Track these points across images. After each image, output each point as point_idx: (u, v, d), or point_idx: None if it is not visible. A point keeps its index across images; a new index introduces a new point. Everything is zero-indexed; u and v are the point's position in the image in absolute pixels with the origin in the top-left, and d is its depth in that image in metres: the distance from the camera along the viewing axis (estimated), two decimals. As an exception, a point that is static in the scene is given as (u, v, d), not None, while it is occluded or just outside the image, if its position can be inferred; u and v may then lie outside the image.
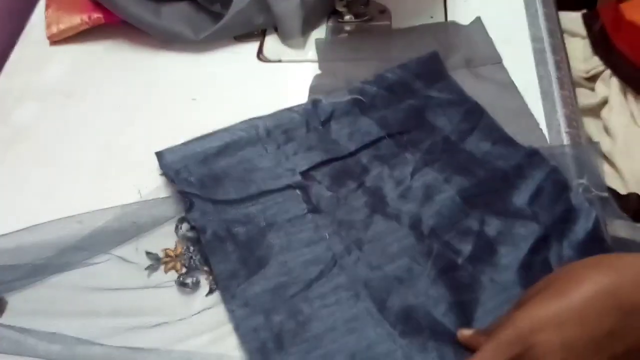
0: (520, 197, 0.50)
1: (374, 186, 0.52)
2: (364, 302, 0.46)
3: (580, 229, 0.48)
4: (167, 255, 0.50)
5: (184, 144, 0.55)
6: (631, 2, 0.74)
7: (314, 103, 0.57)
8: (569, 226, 0.48)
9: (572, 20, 0.83)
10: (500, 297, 0.46)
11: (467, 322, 0.45)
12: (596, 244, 0.48)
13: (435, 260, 0.48)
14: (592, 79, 0.81)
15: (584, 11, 0.83)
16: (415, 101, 0.57)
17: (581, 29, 0.83)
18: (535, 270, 0.47)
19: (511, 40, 0.64)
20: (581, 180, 0.51)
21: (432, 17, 0.67)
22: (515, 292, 0.46)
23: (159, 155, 0.54)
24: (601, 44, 0.78)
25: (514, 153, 0.53)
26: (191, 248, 0.50)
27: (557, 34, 0.65)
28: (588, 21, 0.82)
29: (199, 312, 0.48)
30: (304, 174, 0.53)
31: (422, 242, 0.49)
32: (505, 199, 0.50)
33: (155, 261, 0.50)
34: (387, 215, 0.50)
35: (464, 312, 0.45)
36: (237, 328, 0.46)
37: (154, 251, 0.51)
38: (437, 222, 0.49)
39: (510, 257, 0.48)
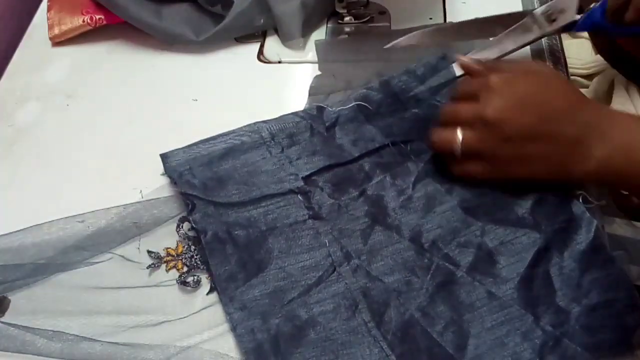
0: (522, 207, 0.50)
1: (375, 195, 0.52)
2: (362, 314, 0.46)
3: (582, 239, 0.48)
4: (168, 254, 0.51)
5: (188, 147, 0.55)
6: None
7: (318, 109, 0.57)
8: (570, 236, 0.48)
9: None
10: (498, 314, 0.46)
11: (463, 340, 0.45)
12: (597, 254, 0.48)
13: (435, 274, 0.48)
14: (592, 76, 0.81)
15: None
16: (420, 110, 0.57)
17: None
18: (535, 282, 0.47)
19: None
20: (580, 191, 0.51)
21: (431, 19, 0.67)
22: (512, 309, 0.46)
23: (164, 157, 0.54)
24: (605, 43, 0.78)
25: None
26: (192, 247, 0.51)
27: (554, 35, 0.66)
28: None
29: (199, 311, 0.48)
30: (307, 179, 0.53)
31: (422, 256, 0.49)
32: (507, 209, 0.50)
33: (157, 260, 0.51)
34: (388, 226, 0.50)
35: (461, 330, 0.45)
36: (234, 329, 0.46)
37: (155, 250, 0.51)
38: (438, 235, 0.49)
39: (510, 268, 0.48)
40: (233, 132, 0.55)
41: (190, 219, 0.51)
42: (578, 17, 0.57)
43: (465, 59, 0.54)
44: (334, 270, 0.48)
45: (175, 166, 0.53)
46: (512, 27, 0.58)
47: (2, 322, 0.48)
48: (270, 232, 0.50)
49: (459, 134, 0.49)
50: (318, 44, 0.66)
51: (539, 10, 0.58)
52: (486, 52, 0.58)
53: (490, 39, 0.59)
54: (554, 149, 0.47)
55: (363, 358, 0.45)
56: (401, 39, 0.59)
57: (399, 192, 0.52)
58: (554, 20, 0.57)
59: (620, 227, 0.67)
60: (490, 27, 0.59)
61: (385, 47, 0.59)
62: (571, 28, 0.58)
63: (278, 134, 0.55)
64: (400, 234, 0.50)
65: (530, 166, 0.48)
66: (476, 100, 0.49)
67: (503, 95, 0.48)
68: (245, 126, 0.56)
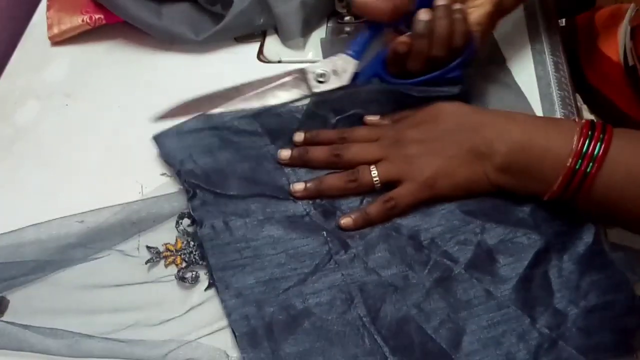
0: (522, 211, 0.50)
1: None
2: (358, 308, 0.46)
3: (581, 242, 0.48)
4: (167, 250, 0.51)
5: (182, 126, 0.55)
6: (605, 9, 0.73)
7: (317, 105, 0.57)
8: (570, 239, 0.48)
9: None
10: (494, 314, 0.46)
11: (458, 337, 0.45)
12: (596, 257, 0.48)
13: (432, 270, 0.48)
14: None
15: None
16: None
17: None
18: (534, 284, 0.47)
19: (511, 41, 0.64)
20: None
21: (431, 19, 0.67)
22: (509, 310, 0.46)
23: (157, 138, 0.55)
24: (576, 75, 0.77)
25: None
26: (191, 243, 0.51)
27: (556, 35, 0.66)
28: (567, 30, 0.80)
29: (197, 306, 0.48)
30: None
31: (420, 252, 0.49)
32: (507, 212, 0.50)
33: (156, 255, 0.51)
34: (386, 227, 0.50)
35: (457, 327, 0.45)
36: (229, 315, 0.46)
37: (154, 246, 0.51)
38: (437, 233, 0.49)
39: (509, 268, 0.47)
40: (230, 117, 0.56)
41: (190, 205, 0.51)
42: (347, 82, 0.56)
43: (373, 118, 0.55)
44: (331, 258, 0.48)
45: (175, 153, 0.54)
46: (280, 81, 0.57)
47: (1, 321, 0.48)
48: (267, 220, 0.50)
49: (372, 169, 0.51)
50: (323, 42, 0.66)
51: (310, 68, 0.57)
52: (246, 104, 0.57)
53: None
54: (460, 150, 0.49)
55: (357, 347, 0.45)
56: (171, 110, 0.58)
57: None
58: (323, 82, 0.57)
59: (619, 234, 0.67)
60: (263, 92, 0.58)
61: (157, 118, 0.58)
62: (344, 88, 0.57)
63: (279, 135, 0.55)
64: (399, 233, 0.50)
65: (451, 178, 0.49)
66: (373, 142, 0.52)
67: (403, 123, 0.53)
68: (242, 115, 0.56)
